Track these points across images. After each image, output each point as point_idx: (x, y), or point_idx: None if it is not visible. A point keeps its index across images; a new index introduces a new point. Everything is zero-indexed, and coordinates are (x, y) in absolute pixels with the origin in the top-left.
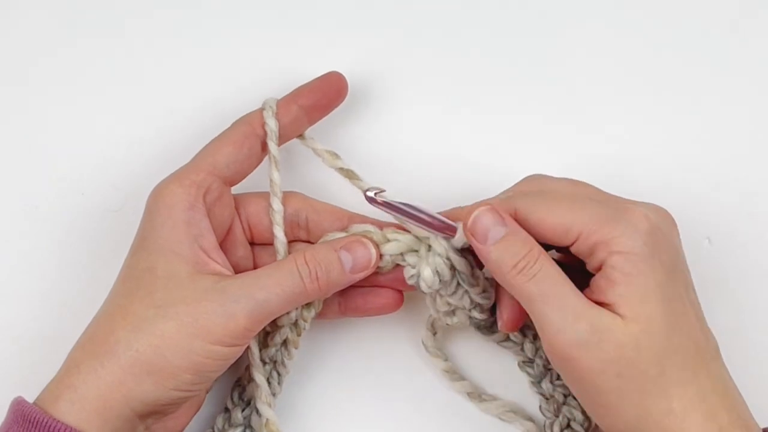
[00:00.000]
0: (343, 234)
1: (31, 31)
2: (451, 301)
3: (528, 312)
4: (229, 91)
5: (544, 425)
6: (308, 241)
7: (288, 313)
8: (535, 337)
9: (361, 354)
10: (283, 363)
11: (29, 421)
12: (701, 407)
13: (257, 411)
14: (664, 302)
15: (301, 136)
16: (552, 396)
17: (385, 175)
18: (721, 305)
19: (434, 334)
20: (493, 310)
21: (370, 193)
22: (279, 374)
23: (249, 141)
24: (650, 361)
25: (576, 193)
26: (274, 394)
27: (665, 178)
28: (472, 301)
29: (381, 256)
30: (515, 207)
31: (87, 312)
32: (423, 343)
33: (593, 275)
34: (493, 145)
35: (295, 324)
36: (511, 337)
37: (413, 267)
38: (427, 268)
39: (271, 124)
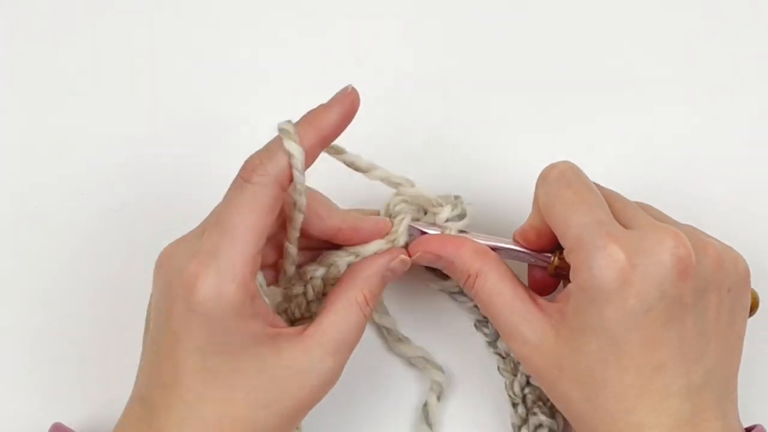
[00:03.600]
0: (375, 245)
1: (31, 30)
2: None
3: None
4: (229, 90)
5: (505, 385)
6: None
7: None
8: None
9: None
10: None
11: None
12: (668, 411)
13: None
14: (607, 341)
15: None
16: (508, 355)
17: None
18: None
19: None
20: None
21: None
22: None
23: (280, 200)
24: (574, 385)
25: (580, 199)
26: None
27: (665, 178)
28: None
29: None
30: (537, 192)
31: (87, 312)
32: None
33: None
34: (489, 142)
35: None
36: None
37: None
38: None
39: (297, 154)
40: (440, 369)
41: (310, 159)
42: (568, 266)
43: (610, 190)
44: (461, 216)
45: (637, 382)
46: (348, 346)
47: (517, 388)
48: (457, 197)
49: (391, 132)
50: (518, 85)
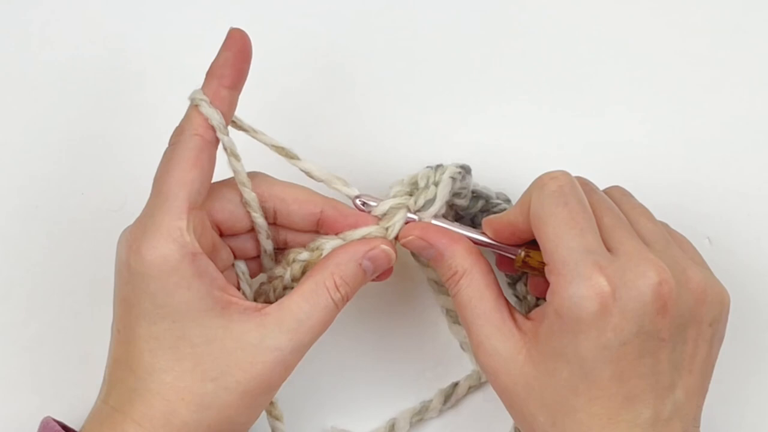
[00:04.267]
0: (364, 230)
1: (30, 29)
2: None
3: None
4: None
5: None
6: (275, 225)
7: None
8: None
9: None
10: None
11: None
12: None
13: None
14: (579, 370)
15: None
16: (525, 297)
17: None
18: None
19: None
20: (476, 199)
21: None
22: None
23: (205, 153)
24: (541, 409)
25: (571, 221)
26: None
27: (665, 177)
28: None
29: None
30: (530, 199)
31: (87, 312)
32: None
33: None
34: (490, 142)
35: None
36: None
37: (431, 196)
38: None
39: (216, 117)
40: None
41: (230, 109)
42: (536, 266)
43: (606, 200)
44: (429, 203)
45: (605, 412)
46: (310, 329)
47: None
48: (438, 167)
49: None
50: (517, 83)
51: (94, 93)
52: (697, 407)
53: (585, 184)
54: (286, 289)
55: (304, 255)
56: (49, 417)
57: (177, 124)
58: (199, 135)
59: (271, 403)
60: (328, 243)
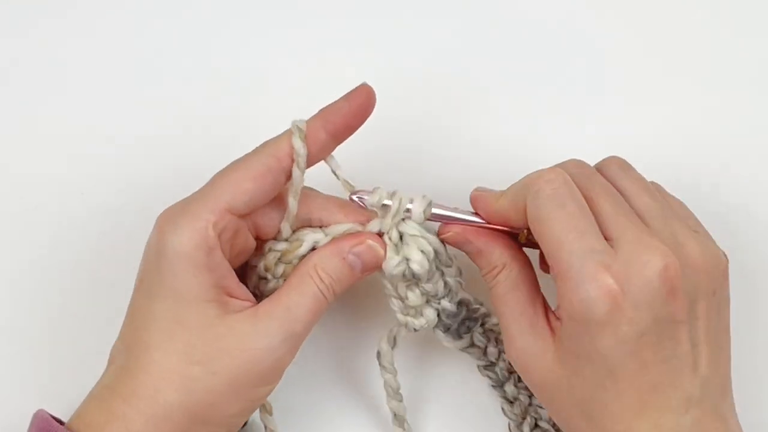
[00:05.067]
0: (344, 226)
1: (30, 30)
2: (427, 287)
3: None
4: (231, 90)
5: (509, 427)
6: None
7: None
8: (498, 341)
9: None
10: None
11: None
12: None
13: None
14: (603, 367)
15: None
16: (517, 398)
17: (401, 171)
18: None
19: (393, 346)
20: (460, 306)
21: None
22: None
23: (272, 175)
24: (572, 404)
25: (572, 225)
26: None
27: (665, 177)
28: (446, 285)
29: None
30: (526, 200)
31: (87, 312)
32: (378, 354)
33: None
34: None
35: None
36: (475, 341)
37: (394, 255)
38: (414, 250)
39: (300, 153)
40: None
41: (321, 153)
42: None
43: (603, 184)
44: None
45: (635, 402)
46: (299, 318)
47: (526, 430)
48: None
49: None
50: (519, 80)
51: (94, 93)
52: (724, 377)
53: (580, 167)
54: (261, 279)
55: (282, 245)
56: (42, 410)
57: (177, 124)
58: (276, 158)
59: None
60: (309, 235)
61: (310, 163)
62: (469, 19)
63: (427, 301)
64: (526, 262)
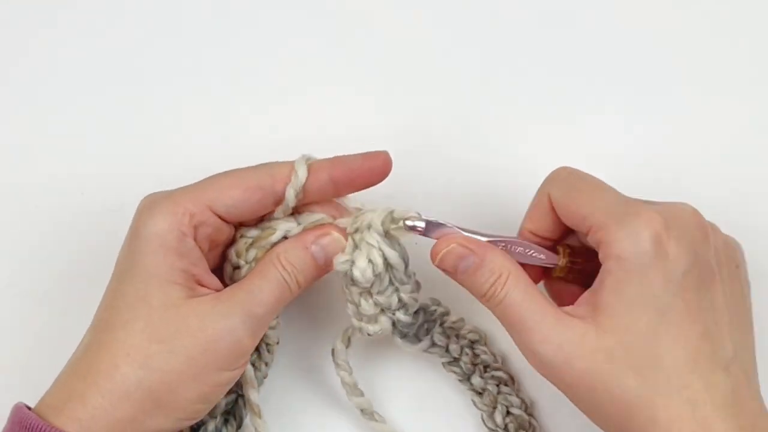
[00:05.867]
0: (316, 215)
1: (30, 30)
2: (379, 299)
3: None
4: (231, 91)
5: (483, 418)
6: None
7: None
8: (459, 336)
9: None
10: (267, 346)
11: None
12: (691, 417)
13: (239, 398)
14: (655, 312)
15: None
16: (485, 389)
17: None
18: None
19: (347, 346)
20: (417, 314)
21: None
22: (264, 353)
23: (261, 193)
24: (629, 372)
25: (600, 187)
26: (263, 377)
27: (665, 177)
28: (400, 300)
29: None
30: (548, 191)
31: (87, 312)
32: (333, 352)
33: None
34: (498, 145)
35: None
36: (436, 341)
37: (346, 254)
38: (362, 257)
39: (301, 175)
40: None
41: (318, 192)
42: (579, 264)
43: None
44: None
45: (687, 353)
46: (261, 302)
47: (499, 419)
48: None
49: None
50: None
51: (94, 93)
52: (749, 356)
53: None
54: (235, 269)
55: (254, 232)
56: (19, 402)
57: (177, 124)
58: (271, 177)
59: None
60: (282, 224)
61: (306, 199)
62: (467, 23)
63: (382, 311)
64: (524, 271)
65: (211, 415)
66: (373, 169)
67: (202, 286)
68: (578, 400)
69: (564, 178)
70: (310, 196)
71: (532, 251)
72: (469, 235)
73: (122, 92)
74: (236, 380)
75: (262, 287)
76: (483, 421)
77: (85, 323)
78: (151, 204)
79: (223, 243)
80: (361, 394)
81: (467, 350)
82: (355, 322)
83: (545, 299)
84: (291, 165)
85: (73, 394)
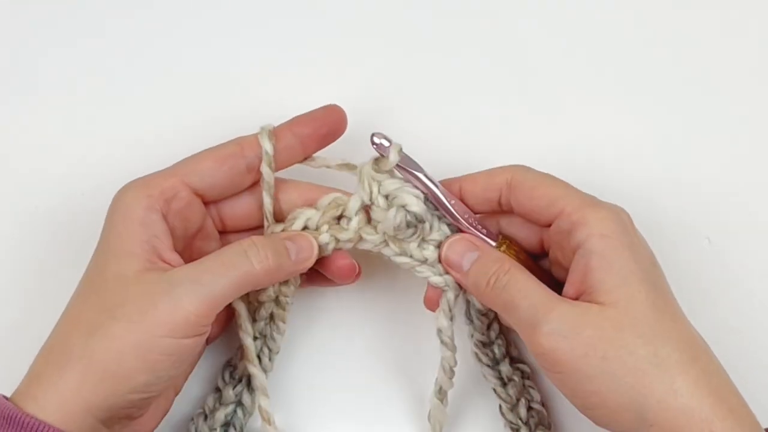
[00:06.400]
0: (330, 196)
1: (31, 31)
2: (433, 235)
3: (508, 321)
4: (229, 93)
5: (501, 409)
6: None
7: (266, 290)
8: (496, 319)
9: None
10: (272, 337)
11: (6, 418)
12: (709, 387)
13: (248, 389)
14: (648, 285)
15: (309, 158)
16: (511, 379)
17: None
18: (721, 305)
19: (452, 319)
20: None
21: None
22: (270, 349)
23: (232, 160)
24: (638, 341)
25: (564, 182)
26: (265, 371)
27: (665, 177)
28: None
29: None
30: (511, 174)
31: None
32: (438, 330)
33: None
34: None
35: (277, 300)
36: (474, 318)
37: (390, 211)
38: (407, 194)
39: (267, 148)
40: None
41: (291, 156)
42: (522, 260)
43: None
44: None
45: (689, 328)
46: (209, 270)
47: (523, 412)
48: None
49: None
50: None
51: (94, 93)
52: None
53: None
54: None
55: (278, 228)
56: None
57: (176, 124)
58: (239, 146)
59: (255, 377)
60: (303, 213)
61: (281, 164)
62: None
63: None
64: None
65: (211, 427)
66: (332, 115)
67: (164, 262)
68: (589, 380)
69: (529, 169)
70: (284, 161)
71: (478, 229)
72: (433, 187)
73: (123, 92)
74: (191, 355)
75: (216, 257)
76: (502, 413)
77: None
78: (127, 184)
79: (197, 224)
80: (452, 377)
81: (502, 336)
82: (437, 279)
83: (544, 286)
84: (256, 135)
85: (33, 375)
